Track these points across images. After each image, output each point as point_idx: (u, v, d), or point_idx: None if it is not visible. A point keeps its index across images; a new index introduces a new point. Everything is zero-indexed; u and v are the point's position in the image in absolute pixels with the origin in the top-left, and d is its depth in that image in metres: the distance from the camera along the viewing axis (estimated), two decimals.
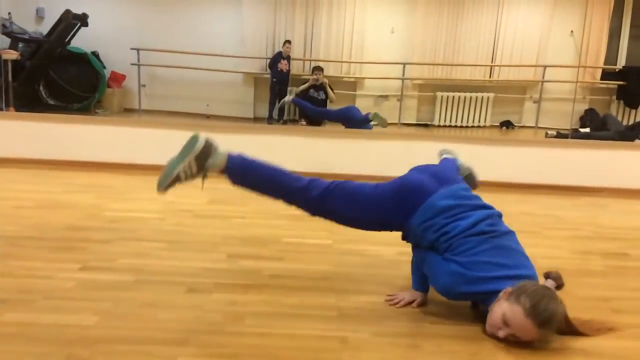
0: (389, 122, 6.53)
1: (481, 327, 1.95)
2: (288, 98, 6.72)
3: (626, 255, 3.01)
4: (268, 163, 2.27)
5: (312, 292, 2.24)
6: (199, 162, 2.15)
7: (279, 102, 7.17)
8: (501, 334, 1.83)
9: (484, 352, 1.80)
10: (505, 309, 1.80)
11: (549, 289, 1.84)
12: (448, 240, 1.99)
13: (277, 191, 2.24)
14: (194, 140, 2.19)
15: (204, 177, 2.19)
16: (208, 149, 2.18)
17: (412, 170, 2.32)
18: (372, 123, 5.92)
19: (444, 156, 2.71)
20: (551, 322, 1.78)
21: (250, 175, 2.25)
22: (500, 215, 2.16)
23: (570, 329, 1.91)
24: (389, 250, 2.85)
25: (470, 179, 2.62)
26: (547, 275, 1.97)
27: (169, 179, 2.17)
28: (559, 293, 1.86)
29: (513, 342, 1.82)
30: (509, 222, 3.08)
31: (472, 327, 1.97)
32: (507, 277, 1.88)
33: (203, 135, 2.20)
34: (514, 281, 1.85)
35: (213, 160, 2.17)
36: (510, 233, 2.08)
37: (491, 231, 2.01)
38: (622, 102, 7.78)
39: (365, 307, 2.11)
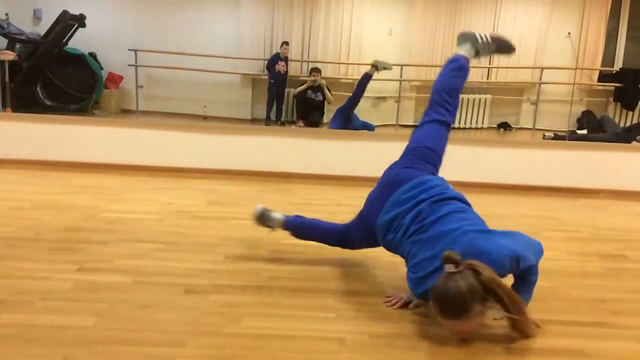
0: (386, 123, 6.54)
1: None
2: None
3: (624, 256, 3.01)
4: (315, 221, 2.68)
5: (310, 294, 2.24)
6: (260, 224, 2.65)
7: (276, 103, 7.17)
8: (461, 336, 1.86)
9: (481, 354, 1.80)
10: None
11: (445, 277, 1.77)
12: (398, 250, 2.15)
13: (324, 240, 2.64)
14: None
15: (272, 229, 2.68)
16: (262, 217, 2.62)
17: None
18: (379, 70, 5.86)
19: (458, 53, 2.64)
20: (465, 304, 1.73)
21: (303, 231, 2.66)
22: (438, 200, 2.10)
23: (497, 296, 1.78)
24: (387, 252, 2.84)
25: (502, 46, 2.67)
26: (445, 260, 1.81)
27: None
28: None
29: (510, 343, 1.83)
30: (507, 223, 3.10)
31: None
32: (437, 268, 1.85)
33: (259, 207, 2.64)
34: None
35: (272, 223, 2.63)
36: (444, 216, 2.03)
37: (419, 228, 2.03)
38: (619, 103, 7.81)
39: (363, 309, 2.11)
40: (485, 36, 2.58)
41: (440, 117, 2.48)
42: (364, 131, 5.66)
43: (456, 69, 2.55)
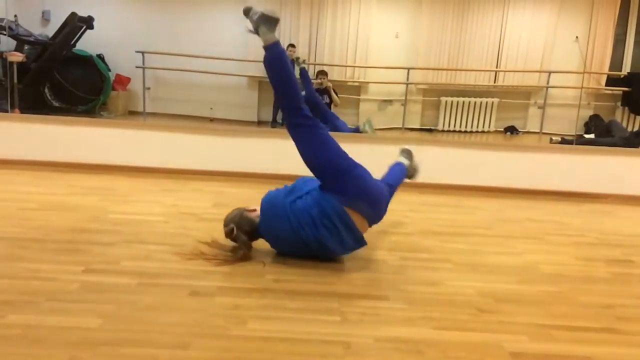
0: (393, 126, 6.53)
1: (485, 334, 1.96)
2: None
3: (631, 262, 3.00)
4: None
5: (315, 297, 2.24)
6: (260, 20, 2.56)
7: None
8: None
9: (488, 358, 1.79)
10: None
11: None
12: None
13: (284, 98, 2.66)
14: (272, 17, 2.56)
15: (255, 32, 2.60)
16: (270, 22, 2.55)
17: None
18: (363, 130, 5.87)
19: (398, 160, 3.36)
20: (231, 229, 2.63)
21: (281, 70, 2.59)
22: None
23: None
24: (393, 255, 2.85)
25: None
26: None
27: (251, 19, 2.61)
28: None
29: (519, 347, 1.82)
30: (512, 228, 3.09)
31: (476, 333, 1.97)
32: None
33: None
34: None
35: (268, 33, 2.55)
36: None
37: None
38: (627, 108, 7.76)
39: (368, 312, 2.10)
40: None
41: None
42: (371, 135, 5.65)
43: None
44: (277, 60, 2.55)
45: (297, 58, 6.11)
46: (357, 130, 5.86)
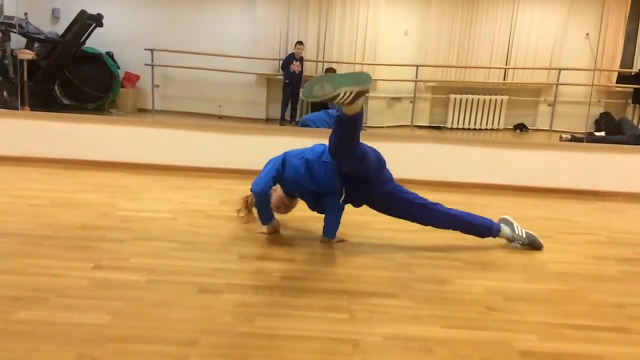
0: (401, 124, 6.50)
1: (495, 333, 1.95)
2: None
3: None
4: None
5: (323, 294, 2.23)
6: (355, 97, 2.38)
7: (291, 104, 7.17)
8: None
9: (497, 357, 1.78)
10: None
11: None
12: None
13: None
14: (365, 77, 2.39)
15: (341, 105, 2.42)
16: (364, 93, 2.40)
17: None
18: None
19: None
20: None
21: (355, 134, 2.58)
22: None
23: None
24: (401, 252, 2.84)
25: None
26: None
27: (328, 92, 2.37)
28: None
29: (528, 346, 1.81)
30: (522, 226, 3.07)
31: (485, 331, 1.96)
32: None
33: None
34: None
35: (357, 103, 2.42)
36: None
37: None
38: (637, 105, 7.69)
39: (377, 310, 2.10)
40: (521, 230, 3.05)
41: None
42: (380, 131, 5.64)
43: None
44: (352, 126, 2.53)
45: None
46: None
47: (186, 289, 2.20)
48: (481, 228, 2.97)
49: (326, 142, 3.02)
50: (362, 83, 2.36)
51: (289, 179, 2.95)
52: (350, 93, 2.34)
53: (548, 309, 2.21)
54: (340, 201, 2.88)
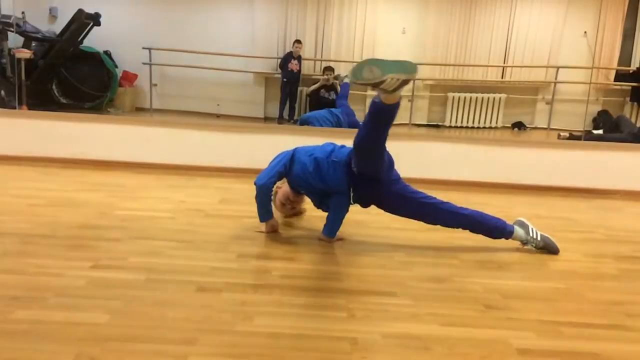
0: (399, 122, 6.50)
1: (493, 331, 1.95)
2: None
3: None
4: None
5: (322, 293, 2.23)
6: (400, 85, 2.34)
7: (289, 102, 7.17)
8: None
9: (495, 355, 1.78)
10: None
11: None
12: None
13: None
14: (413, 66, 2.37)
15: (383, 92, 2.38)
16: (408, 82, 2.38)
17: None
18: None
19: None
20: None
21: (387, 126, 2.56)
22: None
23: None
24: (400, 251, 2.84)
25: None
26: None
27: (377, 76, 2.31)
28: None
29: (526, 344, 1.82)
30: None
31: (484, 329, 1.96)
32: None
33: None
34: None
35: (398, 92, 2.39)
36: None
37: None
38: (635, 103, 7.70)
39: (375, 309, 2.10)
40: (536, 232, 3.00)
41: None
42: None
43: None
44: (388, 116, 2.51)
45: (338, 75, 6.24)
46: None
47: (185, 288, 2.20)
48: (493, 229, 2.92)
49: (330, 140, 3.04)
50: (409, 71, 2.34)
51: (297, 176, 2.96)
52: (397, 80, 2.31)
53: (546, 306, 2.21)
54: (350, 201, 2.87)
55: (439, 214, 2.86)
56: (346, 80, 6.38)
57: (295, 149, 3.04)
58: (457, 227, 2.91)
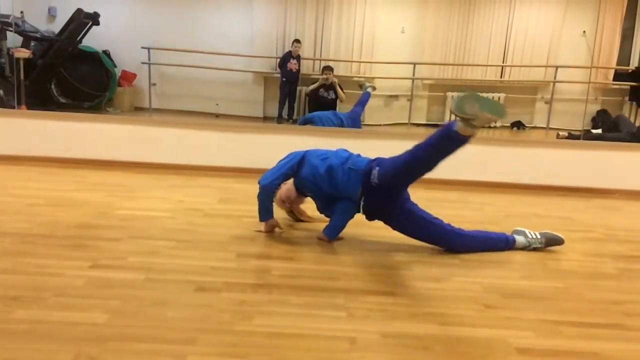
0: (398, 122, 6.52)
1: (492, 330, 1.95)
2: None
3: (639, 257, 2.98)
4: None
5: (321, 292, 2.24)
6: (487, 123, 2.43)
7: (288, 102, 7.17)
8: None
9: (494, 354, 1.78)
10: None
11: None
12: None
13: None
14: (505, 111, 2.47)
15: (465, 123, 2.42)
16: (491, 122, 2.46)
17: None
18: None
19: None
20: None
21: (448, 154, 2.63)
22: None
23: None
24: (398, 250, 2.84)
25: None
26: None
27: (475, 112, 2.37)
28: None
29: (525, 343, 1.81)
30: (520, 223, 3.08)
31: (483, 329, 1.97)
32: None
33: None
34: None
35: (477, 129, 2.44)
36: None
37: None
38: (634, 103, 7.70)
39: (374, 308, 2.10)
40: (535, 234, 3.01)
41: None
42: (377, 130, 5.66)
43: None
44: (456, 146, 2.54)
45: (364, 83, 6.33)
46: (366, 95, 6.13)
47: (184, 287, 2.21)
48: (499, 243, 2.95)
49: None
50: (501, 114, 2.43)
51: (305, 178, 2.94)
52: (488, 119, 2.38)
53: (545, 306, 2.22)
54: (360, 210, 2.87)
55: (447, 235, 2.85)
56: (369, 90, 6.42)
57: (307, 151, 3.03)
58: (467, 251, 2.86)
